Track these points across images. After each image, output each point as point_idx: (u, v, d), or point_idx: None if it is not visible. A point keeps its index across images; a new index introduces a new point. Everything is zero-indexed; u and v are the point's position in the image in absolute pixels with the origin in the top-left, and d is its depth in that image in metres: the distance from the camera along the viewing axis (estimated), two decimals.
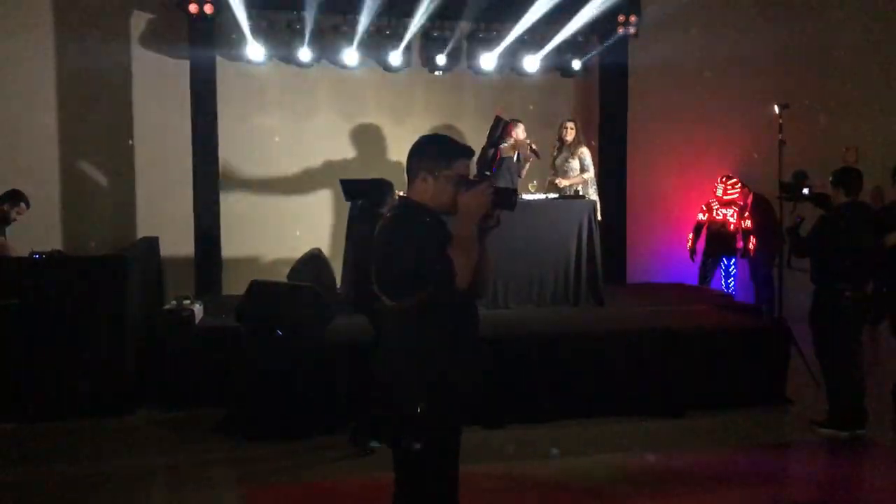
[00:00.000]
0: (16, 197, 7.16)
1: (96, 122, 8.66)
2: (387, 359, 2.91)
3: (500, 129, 8.01)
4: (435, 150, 2.97)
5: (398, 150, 9.48)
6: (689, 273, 9.45)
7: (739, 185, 9.24)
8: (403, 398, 2.81)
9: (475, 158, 7.94)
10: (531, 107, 9.33)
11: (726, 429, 6.13)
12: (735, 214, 9.19)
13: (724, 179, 9.30)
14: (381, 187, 5.72)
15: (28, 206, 7.26)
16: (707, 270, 9.32)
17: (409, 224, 2.84)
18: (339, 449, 5.52)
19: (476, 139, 9.33)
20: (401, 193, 3.04)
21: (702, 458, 5.62)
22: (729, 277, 9.32)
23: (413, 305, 2.80)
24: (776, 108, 7.15)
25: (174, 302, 6.80)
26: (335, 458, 5.43)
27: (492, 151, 8.04)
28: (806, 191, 6.54)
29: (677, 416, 6.16)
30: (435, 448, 2.86)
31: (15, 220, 7.19)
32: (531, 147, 8.14)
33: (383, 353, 2.94)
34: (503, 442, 5.74)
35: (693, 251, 9.30)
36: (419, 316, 2.81)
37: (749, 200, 9.15)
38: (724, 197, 9.23)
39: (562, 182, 8.18)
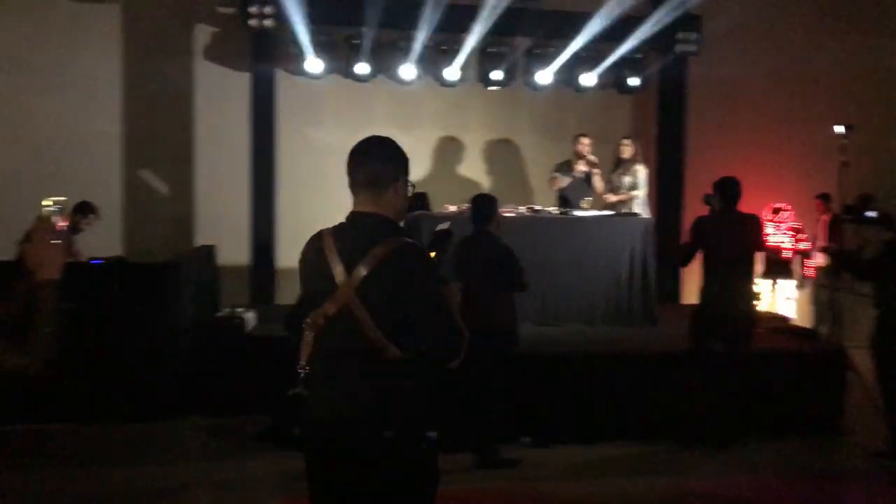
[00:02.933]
0: (86, 208, 7.37)
1: (159, 133, 8.90)
2: None
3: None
4: (402, 153, 2.60)
5: (453, 164, 9.52)
6: None
7: (790, 212, 9.02)
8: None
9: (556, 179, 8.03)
10: (586, 123, 9.27)
11: (780, 457, 5.95)
12: (790, 240, 8.98)
13: (773, 215, 9.06)
14: (489, 203, 5.54)
15: (97, 216, 7.47)
16: (763, 293, 9.11)
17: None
18: None
19: (531, 154, 9.38)
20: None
21: (754, 486, 5.47)
22: (786, 300, 9.09)
23: None
24: (839, 129, 6.96)
25: (227, 310, 6.91)
26: None
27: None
28: (870, 213, 6.35)
29: (722, 446, 5.97)
30: None
31: (83, 230, 7.39)
32: (587, 160, 8.08)
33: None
34: (547, 461, 5.68)
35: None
36: None
37: (825, 219, 8.81)
38: (776, 232, 9.03)
39: (610, 198, 8.11)
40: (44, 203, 2.04)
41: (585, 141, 8.18)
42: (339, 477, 2.48)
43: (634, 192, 8.14)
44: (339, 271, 2.43)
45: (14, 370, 1.77)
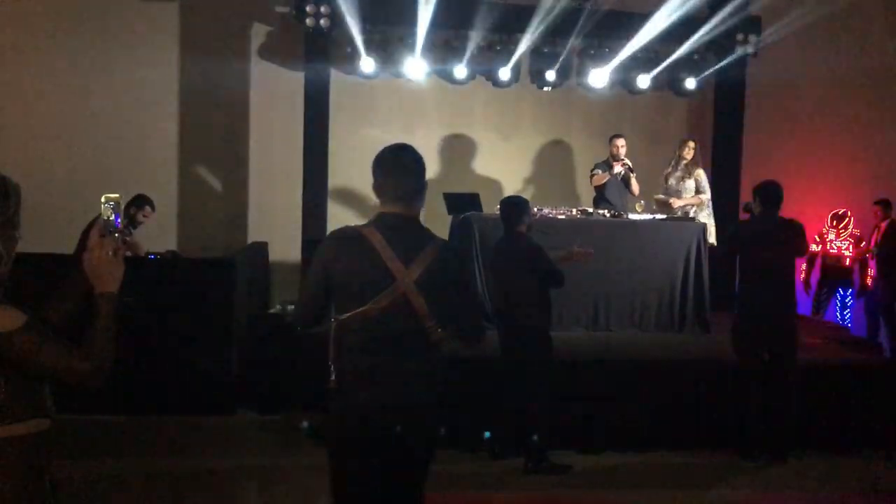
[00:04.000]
0: (142, 201, 7.50)
1: (214, 130, 9.02)
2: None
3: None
4: None
5: (503, 166, 9.48)
6: (804, 303, 9.03)
7: (852, 221, 8.75)
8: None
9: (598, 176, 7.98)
10: (640, 124, 9.17)
11: (836, 472, 5.78)
12: (850, 247, 8.72)
13: (834, 223, 8.80)
14: (521, 205, 5.58)
15: (153, 209, 7.59)
16: (821, 301, 8.88)
17: None
18: None
19: (583, 156, 9.27)
20: (397, 210, 2.85)
21: (804, 501, 5.32)
22: (845, 309, 8.85)
23: None
24: None
25: (279, 306, 6.96)
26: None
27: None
28: None
29: (779, 458, 5.81)
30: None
31: (141, 222, 7.52)
32: (622, 162, 7.98)
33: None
34: (596, 468, 5.61)
35: (807, 283, 8.87)
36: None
37: (884, 226, 8.51)
38: (837, 240, 8.77)
39: (676, 202, 7.97)
40: (102, 199, 2.05)
41: (619, 143, 8.08)
42: (381, 455, 2.75)
43: (703, 196, 8.00)
44: (397, 267, 2.73)
45: (71, 375, 1.80)
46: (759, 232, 5.86)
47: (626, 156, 8.06)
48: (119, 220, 2.27)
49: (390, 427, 2.73)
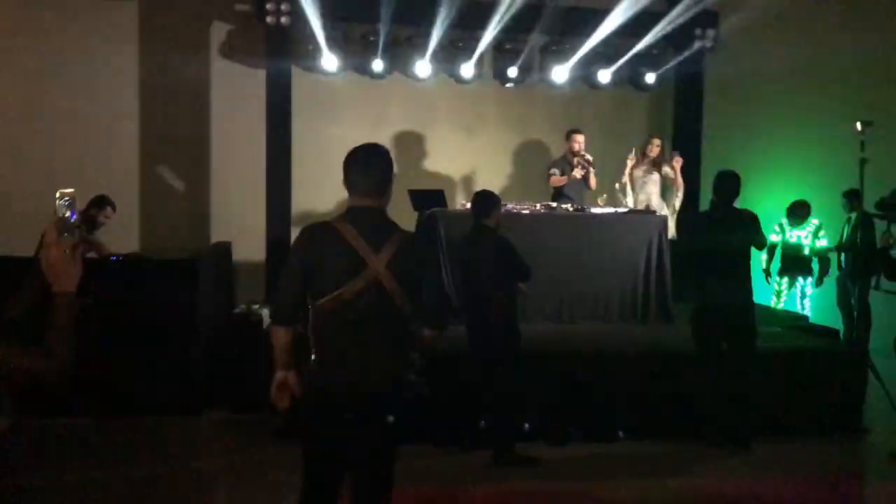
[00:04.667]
0: (102, 202, 7.42)
1: (176, 129, 8.94)
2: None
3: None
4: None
5: (469, 162, 9.51)
6: (764, 293, 9.18)
7: (810, 210, 8.92)
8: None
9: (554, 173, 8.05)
10: (601, 119, 9.26)
11: (798, 457, 5.91)
12: (809, 236, 8.90)
13: (794, 211, 8.94)
14: (489, 199, 5.62)
15: (114, 209, 7.51)
16: (781, 290, 9.04)
17: None
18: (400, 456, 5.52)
19: (546, 150, 9.35)
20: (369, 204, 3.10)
21: (771, 486, 5.43)
22: (804, 298, 9.02)
23: None
24: (858, 126, 6.89)
25: (244, 306, 6.93)
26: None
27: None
28: None
29: (742, 445, 5.92)
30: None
31: (102, 223, 7.43)
32: (584, 157, 8.06)
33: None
34: (563, 460, 5.67)
35: (767, 272, 9.03)
36: None
37: (853, 218, 8.63)
38: (796, 230, 8.93)
39: (640, 196, 8.13)
40: (57, 196, 2.03)
41: (580, 139, 8.15)
42: (354, 429, 2.98)
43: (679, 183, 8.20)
44: (367, 251, 2.97)
45: (29, 375, 1.78)
46: (714, 222, 5.95)
47: (586, 150, 8.14)
48: (74, 217, 2.25)
49: (364, 402, 2.97)
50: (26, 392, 2.20)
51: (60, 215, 2.24)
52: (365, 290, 2.94)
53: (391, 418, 3.02)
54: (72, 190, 2.29)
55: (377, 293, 2.96)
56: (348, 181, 3.09)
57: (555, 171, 8.14)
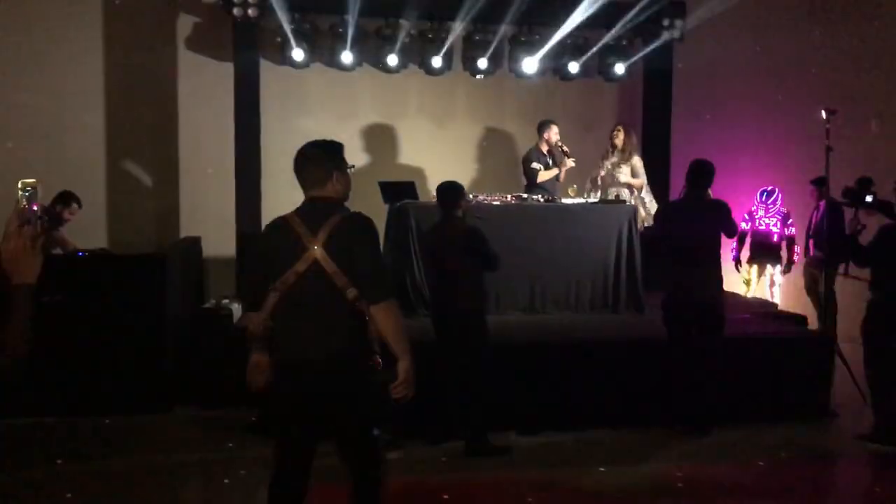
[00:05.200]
0: (67, 198, 7.31)
1: (142, 123, 8.83)
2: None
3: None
4: (335, 152, 3.44)
5: (439, 153, 9.48)
6: (734, 281, 9.27)
7: (780, 196, 9.02)
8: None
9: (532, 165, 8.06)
10: (571, 110, 9.28)
11: (768, 440, 5.98)
12: (778, 223, 8.99)
13: (763, 198, 9.03)
14: (455, 190, 5.65)
15: (80, 206, 7.41)
16: (750, 279, 9.14)
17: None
18: None
19: (517, 142, 9.36)
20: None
21: (741, 470, 5.49)
22: (773, 285, 9.12)
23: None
24: (823, 114, 6.97)
25: (213, 301, 6.88)
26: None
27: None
28: (869, 198, 6.32)
29: (707, 431, 5.99)
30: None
31: (68, 220, 7.33)
32: (562, 149, 8.09)
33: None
34: (535, 448, 5.69)
35: (738, 260, 9.12)
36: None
37: (822, 205, 8.70)
38: (766, 216, 9.02)
39: (613, 187, 8.14)
40: (19, 186, 1.98)
41: (556, 129, 8.17)
42: (310, 396, 3.22)
43: (641, 181, 8.19)
44: (307, 236, 3.21)
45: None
46: (685, 211, 6.01)
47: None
48: (36, 207, 2.22)
49: (315, 378, 3.20)
50: None
51: (22, 205, 2.20)
52: (305, 272, 3.18)
53: (346, 392, 3.20)
54: (34, 180, 2.25)
55: (317, 274, 3.18)
56: (297, 179, 3.41)
57: (537, 165, 8.12)
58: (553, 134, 8.16)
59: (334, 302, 3.19)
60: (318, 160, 3.37)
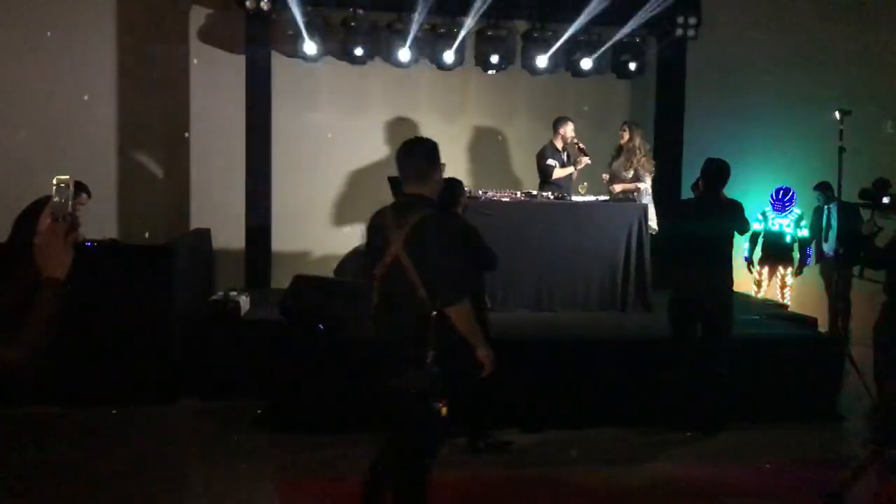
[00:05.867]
0: (77, 188, 7.31)
1: (153, 114, 8.83)
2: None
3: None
4: (437, 148, 3.56)
5: (449, 149, 9.39)
6: (745, 281, 9.21)
7: (794, 196, 8.95)
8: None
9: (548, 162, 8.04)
10: (585, 107, 9.23)
11: (775, 443, 5.93)
12: (792, 224, 8.93)
13: (780, 195, 8.97)
14: (454, 186, 5.62)
15: (89, 196, 7.42)
16: (761, 280, 9.08)
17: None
18: (376, 445, 5.50)
19: (529, 138, 9.30)
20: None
21: (748, 471, 5.45)
22: (785, 287, 9.05)
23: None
24: (837, 114, 6.90)
25: (221, 293, 6.89)
26: (373, 455, 5.41)
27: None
28: (886, 199, 6.23)
29: (714, 432, 5.94)
30: None
31: (77, 210, 7.33)
32: (578, 146, 8.05)
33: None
34: (537, 446, 5.67)
35: (750, 260, 9.05)
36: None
37: (827, 209, 8.64)
38: (781, 214, 8.96)
39: (615, 188, 8.05)
40: (53, 182, 1.97)
41: (572, 125, 8.13)
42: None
43: (641, 185, 8.06)
44: (393, 231, 3.37)
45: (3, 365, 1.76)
46: (701, 209, 5.98)
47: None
48: (68, 204, 2.23)
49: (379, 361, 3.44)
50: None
51: (57, 200, 2.21)
52: (391, 264, 3.34)
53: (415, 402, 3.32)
54: (68, 177, 2.27)
55: (398, 269, 3.32)
56: (398, 172, 3.55)
57: (552, 162, 8.08)
58: (569, 131, 8.12)
59: (407, 297, 3.31)
60: (421, 157, 3.49)
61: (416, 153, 3.50)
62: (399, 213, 3.41)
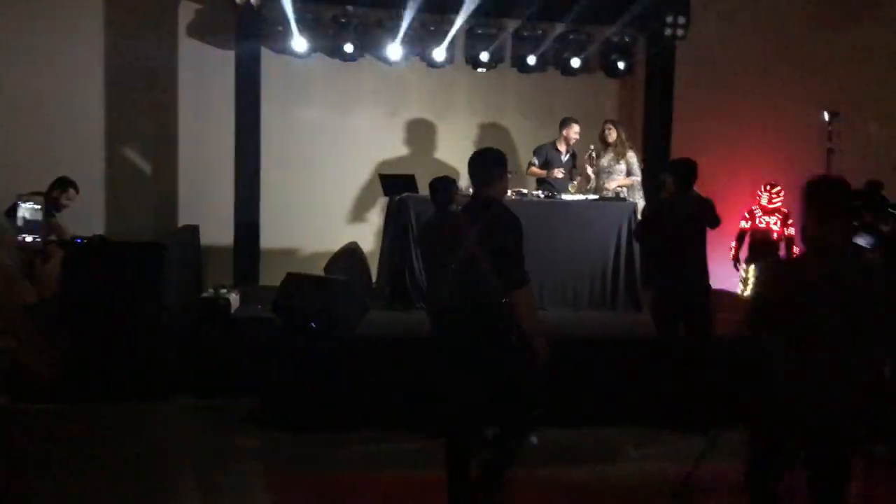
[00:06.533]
0: (65, 183, 7.29)
1: (142, 110, 8.78)
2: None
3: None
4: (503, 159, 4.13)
5: (439, 146, 9.48)
6: (733, 280, 9.26)
7: (783, 192, 9.04)
8: None
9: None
10: (573, 106, 9.26)
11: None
12: (778, 223, 9.00)
13: (767, 188, 9.08)
14: (449, 184, 5.64)
15: (77, 191, 7.38)
16: (748, 278, 9.13)
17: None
18: (368, 443, 5.53)
19: (517, 137, 9.35)
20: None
21: (733, 471, 5.47)
22: None
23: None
24: (826, 116, 6.96)
25: (211, 290, 6.87)
26: (365, 452, 5.43)
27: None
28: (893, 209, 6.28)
29: (700, 431, 5.97)
30: None
31: (65, 205, 7.31)
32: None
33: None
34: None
35: (737, 259, 9.12)
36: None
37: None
38: (769, 206, 9.03)
39: (609, 185, 8.08)
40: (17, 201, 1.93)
41: (577, 128, 8.16)
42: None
43: (634, 179, 8.12)
44: (466, 230, 3.88)
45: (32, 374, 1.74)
46: (672, 209, 6.04)
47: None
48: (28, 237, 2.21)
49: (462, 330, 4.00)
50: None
51: (9, 235, 2.17)
52: (467, 258, 3.84)
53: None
54: (34, 193, 2.23)
55: (473, 260, 3.82)
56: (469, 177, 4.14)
57: (535, 160, 8.19)
58: (573, 133, 8.16)
59: (480, 284, 3.84)
60: (486, 163, 4.05)
61: (486, 161, 4.06)
62: (474, 213, 3.94)
